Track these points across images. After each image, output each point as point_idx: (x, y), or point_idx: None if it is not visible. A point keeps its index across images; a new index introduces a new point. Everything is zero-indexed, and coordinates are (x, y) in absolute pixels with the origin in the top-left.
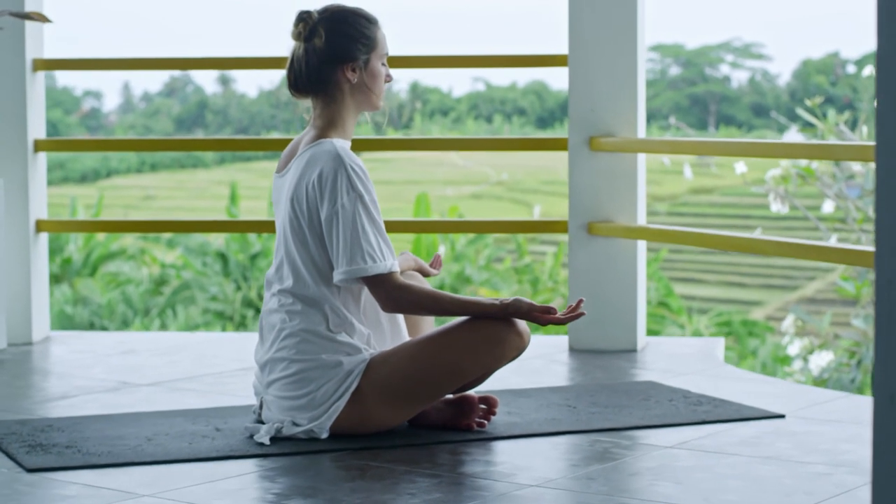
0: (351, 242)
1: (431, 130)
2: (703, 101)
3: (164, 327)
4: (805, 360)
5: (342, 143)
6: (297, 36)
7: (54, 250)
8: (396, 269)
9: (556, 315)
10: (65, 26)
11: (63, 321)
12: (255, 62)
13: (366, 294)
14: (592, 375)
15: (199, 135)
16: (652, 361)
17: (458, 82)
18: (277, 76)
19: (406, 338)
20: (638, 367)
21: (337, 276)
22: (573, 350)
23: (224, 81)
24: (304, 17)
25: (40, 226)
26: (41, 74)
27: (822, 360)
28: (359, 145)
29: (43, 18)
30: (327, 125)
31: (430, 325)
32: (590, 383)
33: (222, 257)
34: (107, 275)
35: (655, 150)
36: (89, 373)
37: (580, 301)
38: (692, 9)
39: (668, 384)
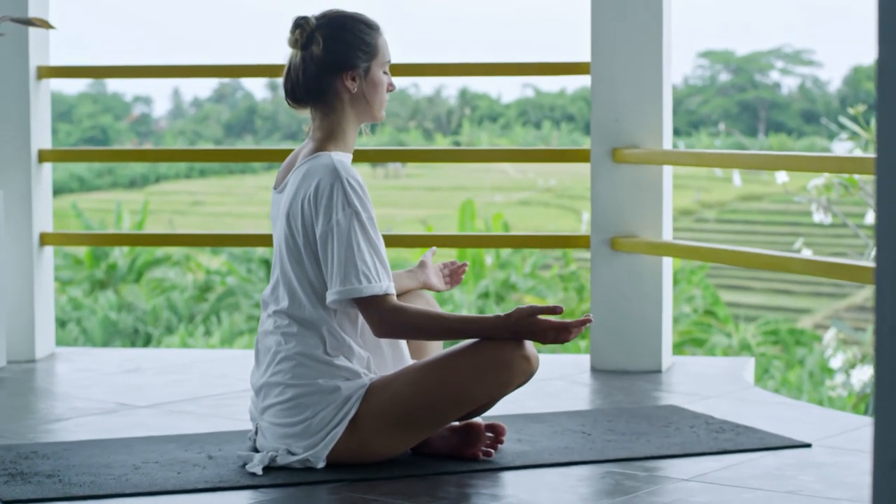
0: (345, 261)
1: (480, 137)
2: (753, 108)
3: (208, 334)
4: (847, 374)
5: (340, 157)
6: (293, 43)
7: (99, 256)
8: (392, 291)
9: (566, 321)
10: (76, 31)
11: (107, 327)
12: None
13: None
14: (613, 398)
15: (248, 141)
16: (677, 383)
17: (507, 88)
18: None
19: (408, 361)
20: (662, 389)
21: (330, 296)
22: (595, 370)
23: (273, 87)
24: (300, 24)
25: (44, 239)
26: (46, 82)
27: (864, 374)
28: (359, 156)
29: (46, 25)
30: (326, 137)
31: (437, 347)
32: (609, 407)
33: (267, 264)
34: (152, 281)
35: (681, 163)
36: (88, 393)
37: (587, 318)
38: (742, 15)
39: (691, 408)
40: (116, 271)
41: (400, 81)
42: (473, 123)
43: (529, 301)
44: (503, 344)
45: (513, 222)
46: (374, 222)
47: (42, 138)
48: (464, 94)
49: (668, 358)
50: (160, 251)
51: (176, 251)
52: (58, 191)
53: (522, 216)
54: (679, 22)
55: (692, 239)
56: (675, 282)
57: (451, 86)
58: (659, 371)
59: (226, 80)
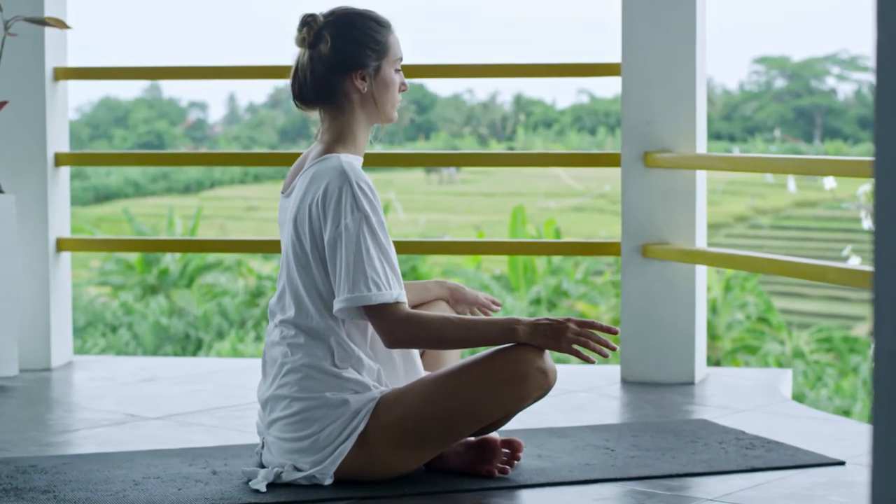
0: (354, 268)
1: (534, 143)
2: (809, 114)
3: (259, 339)
4: None
5: (349, 159)
6: (301, 42)
7: (151, 261)
8: (403, 299)
9: (591, 321)
10: (94, 34)
11: (158, 332)
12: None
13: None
14: (642, 412)
15: (303, 146)
16: (710, 396)
17: (562, 94)
18: None
19: (422, 373)
20: (693, 402)
21: (337, 304)
22: (625, 382)
23: None
24: (307, 22)
25: (61, 244)
26: (63, 84)
27: None
28: (371, 160)
29: (61, 24)
30: (335, 139)
31: (453, 358)
32: (636, 421)
33: None
34: (203, 286)
35: (714, 167)
36: (99, 404)
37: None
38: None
39: (722, 423)
40: (168, 276)
41: (438, 84)
42: (528, 129)
43: (581, 308)
44: (519, 356)
45: (565, 228)
46: (384, 227)
47: (59, 141)
48: (518, 100)
49: (701, 369)
50: (212, 256)
51: (227, 257)
52: (112, 196)
53: (576, 222)
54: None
55: (747, 245)
56: (728, 288)
57: (506, 91)
58: (692, 383)
59: (281, 85)
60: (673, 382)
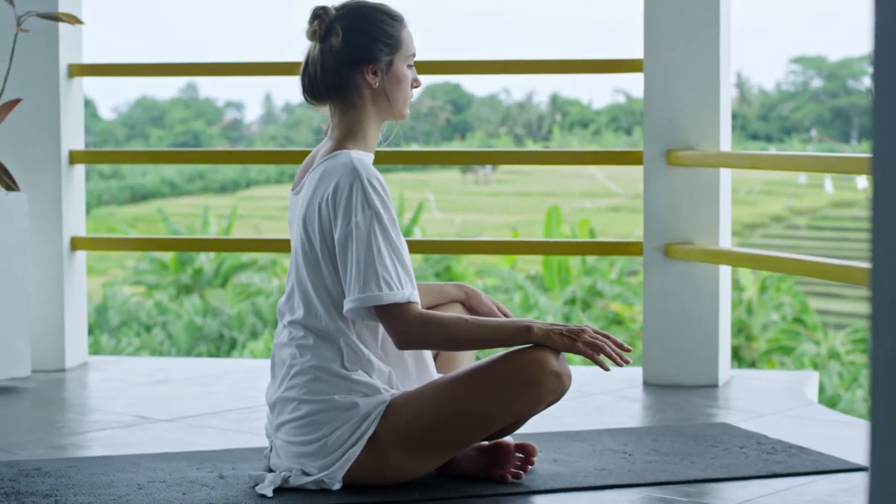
0: (364, 266)
1: (571, 142)
2: (846, 114)
3: None
4: None
5: (360, 156)
6: (311, 35)
7: (185, 261)
8: (416, 298)
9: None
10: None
11: (192, 332)
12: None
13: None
14: (663, 415)
15: None
16: (733, 399)
17: (598, 94)
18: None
19: (434, 376)
20: (716, 405)
21: (347, 304)
22: (647, 385)
23: None
24: (319, 14)
25: (76, 243)
26: (78, 81)
27: None
28: (386, 158)
29: (74, 20)
30: (345, 136)
31: (466, 360)
32: (656, 425)
33: None
34: (238, 285)
35: (738, 165)
36: (110, 405)
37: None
38: (835, 21)
39: (744, 427)
40: (202, 276)
41: (475, 84)
42: (564, 129)
43: (615, 308)
44: (533, 359)
45: (600, 228)
46: (396, 224)
47: (74, 139)
48: (555, 100)
49: (725, 372)
50: (246, 256)
51: (261, 256)
52: (148, 195)
53: (611, 222)
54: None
55: (783, 246)
56: (764, 289)
57: (543, 91)
58: (715, 386)
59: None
60: (696, 385)
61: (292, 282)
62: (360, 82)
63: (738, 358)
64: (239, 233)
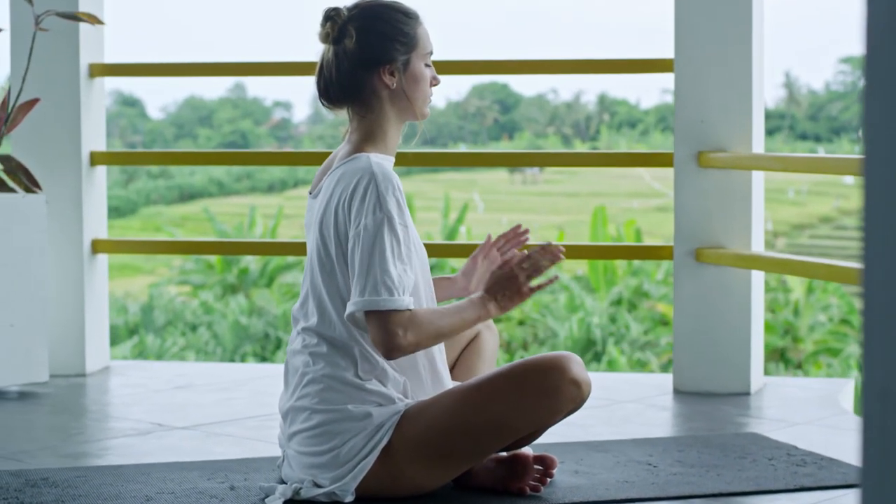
0: (367, 268)
1: (618, 143)
2: None
3: None
4: None
5: (379, 159)
6: (324, 38)
7: (231, 261)
8: (413, 307)
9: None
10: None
11: (238, 332)
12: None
13: None
14: (691, 424)
15: None
16: (765, 408)
17: (646, 94)
18: (465, 88)
19: (448, 385)
20: (747, 413)
21: (349, 307)
22: (678, 392)
23: None
24: (331, 16)
25: (96, 246)
26: (100, 81)
27: None
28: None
29: (94, 20)
30: (364, 139)
31: (485, 368)
32: (683, 435)
33: None
34: (283, 285)
35: (770, 168)
36: (127, 412)
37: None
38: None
39: (774, 437)
40: (248, 276)
41: (523, 84)
42: (612, 129)
43: (662, 309)
44: (551, 367)
45: (647, 229)
46: (408, 233)
47: (95, 139)
48: (602, 100)
49: (758, 379)
50: (291, 256)
51: None
52: (196, 195)
53: (658, 223)
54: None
55: (831, 247)
56: (811, 290)
57: (590, 91)
58: (747, 393)
59: None
60: (727, 393)
61: (307, 287)
62: (377, 84)
63: (784, 360)
64: (285, 232)
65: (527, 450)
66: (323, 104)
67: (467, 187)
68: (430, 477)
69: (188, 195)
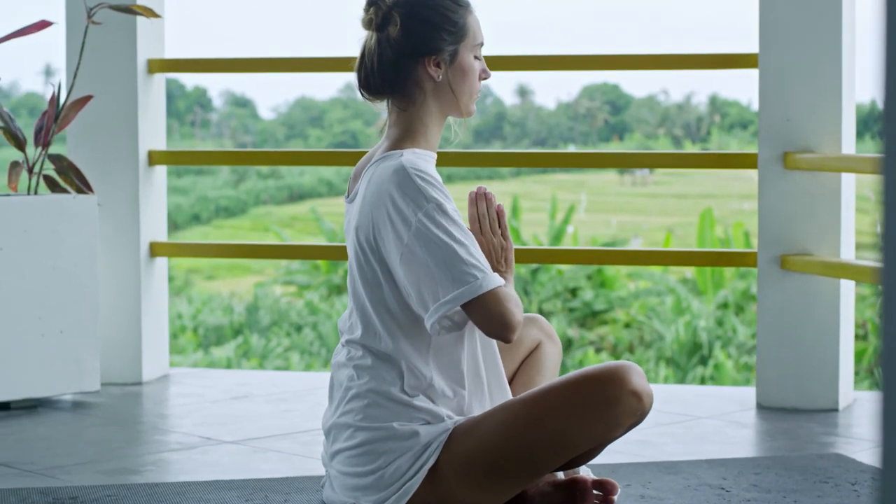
0: (444, 263)
1: (729, 144)
2: None
3: None
4: None
5: (411, 156)
6: (367, 24)
7: (336, 263)
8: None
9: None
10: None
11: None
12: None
13: (466, 346)
14: (772, 444)
15: (497, 147)
16: (853, 426)
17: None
18: (576, 88)
19: (508, 396)
20: (834, 432)
21: (439, 310)
22: (761, 408)
23: (522, 93)
24: (375, 1)
25: (155, 249)
26: (159, 77)
27: None
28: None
29: (150, 13)
30: (404, 134)
31: (543, 379)
32: (762, 456)
33: None
34: None
35: (861, 170)
36: (177, 424)
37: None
38: None
39: (859, 458)
40: None
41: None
42: (723, 131)
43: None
44: (609, 377)
45: (756, 231)
46: (460, 216)
47: (153, 138)
48: (714, 101)
49: (847, 394)
50: None
51: None
52: (305, 195)
53: None
54: None
55: None
56: None
57: (701, 92)
58: (835, 410)
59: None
60: (814, 409)
61: (351, 297)
62: (422, 75)
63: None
64: None
65: (587, 473)
66: (363, 95)
67: (575, 188)
68: (480, 499)
69: (297, 195)
